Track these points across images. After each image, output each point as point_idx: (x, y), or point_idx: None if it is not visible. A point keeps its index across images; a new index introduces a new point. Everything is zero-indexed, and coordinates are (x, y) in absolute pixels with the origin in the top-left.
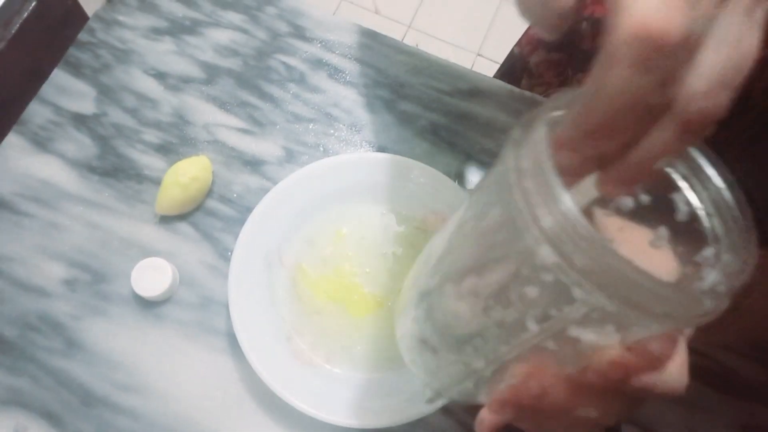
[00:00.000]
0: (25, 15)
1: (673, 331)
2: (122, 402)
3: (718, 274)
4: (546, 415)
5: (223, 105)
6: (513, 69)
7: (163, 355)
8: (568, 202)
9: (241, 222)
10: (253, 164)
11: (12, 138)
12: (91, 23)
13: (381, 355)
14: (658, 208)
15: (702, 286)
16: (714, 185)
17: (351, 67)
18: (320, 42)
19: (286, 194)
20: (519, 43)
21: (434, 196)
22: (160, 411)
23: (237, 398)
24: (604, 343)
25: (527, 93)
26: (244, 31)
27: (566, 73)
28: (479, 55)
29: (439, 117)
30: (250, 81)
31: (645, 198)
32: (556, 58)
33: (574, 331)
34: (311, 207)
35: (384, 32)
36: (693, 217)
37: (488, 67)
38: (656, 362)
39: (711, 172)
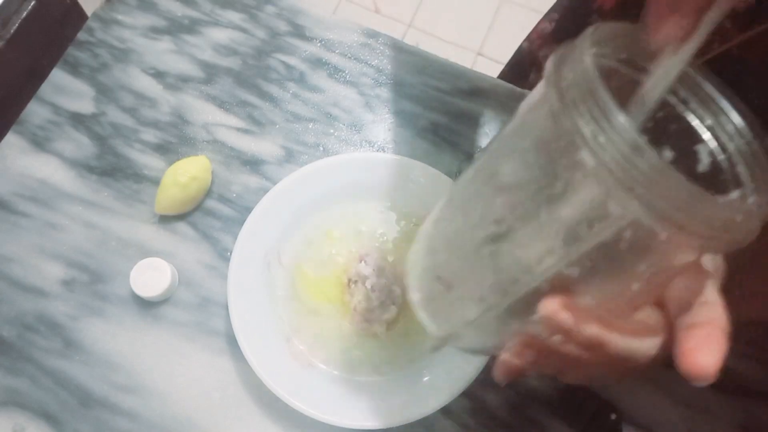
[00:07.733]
0: (24, 14)
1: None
2: (120, 403)
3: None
4: (569, 359)
5: (222, 104)
6: (521, 64)
7: (162, 356)
8: (622, 118)
9: (241, 222)
10: (253, 164)
11: (10, 138)
12: (90, 23)
13: (380, 357)
14: (680, 161)
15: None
16: (736, 128)
17: (351, 67)
18: (320, 41)
19: (286, 194)
20: (528, 38)
21: (435, 196)
22: (159, 412)
23: (236, 399)
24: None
25: (528, 92)
26: (244, 30)
27: None
28: (479, 54)
29: (439, 116)
30: (250, 80)
31: (668, 154)
32: None
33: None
34: (311, 207)
35: (384, 31)
36: (715, 166)
37: (489, 67)
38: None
39: (735, 117)
